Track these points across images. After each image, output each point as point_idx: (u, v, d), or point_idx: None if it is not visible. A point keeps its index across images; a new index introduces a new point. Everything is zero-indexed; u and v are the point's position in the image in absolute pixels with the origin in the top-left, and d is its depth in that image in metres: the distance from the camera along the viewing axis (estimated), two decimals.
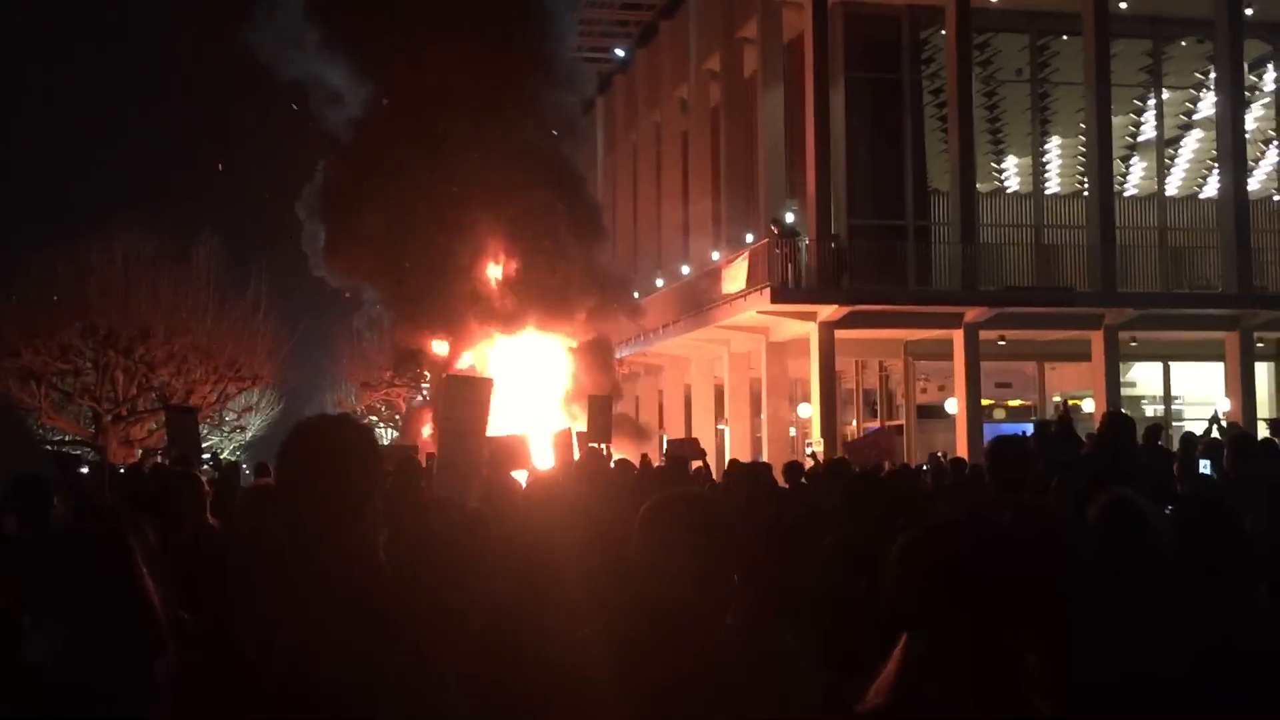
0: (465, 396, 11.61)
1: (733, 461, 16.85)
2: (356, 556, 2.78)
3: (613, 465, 14.14)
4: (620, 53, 40.77)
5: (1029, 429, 17.07)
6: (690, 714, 2.76)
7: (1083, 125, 30.00)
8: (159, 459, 20.63)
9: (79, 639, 3.16)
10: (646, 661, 2.80)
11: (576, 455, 15.03)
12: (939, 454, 22.94)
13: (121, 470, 17.40)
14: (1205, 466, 12.87)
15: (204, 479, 6.82)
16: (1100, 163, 28.85)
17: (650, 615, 2.87)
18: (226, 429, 44.23)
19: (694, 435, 26.37)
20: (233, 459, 31.06)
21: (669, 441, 20.95)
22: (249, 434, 45.54)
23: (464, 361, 25.12)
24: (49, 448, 18.01)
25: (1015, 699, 2.51)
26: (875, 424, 30.54)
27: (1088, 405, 28.17)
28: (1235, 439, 8.67)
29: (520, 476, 13.23)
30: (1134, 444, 8.44)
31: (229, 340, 38.09)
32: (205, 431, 35.29)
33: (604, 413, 16.01)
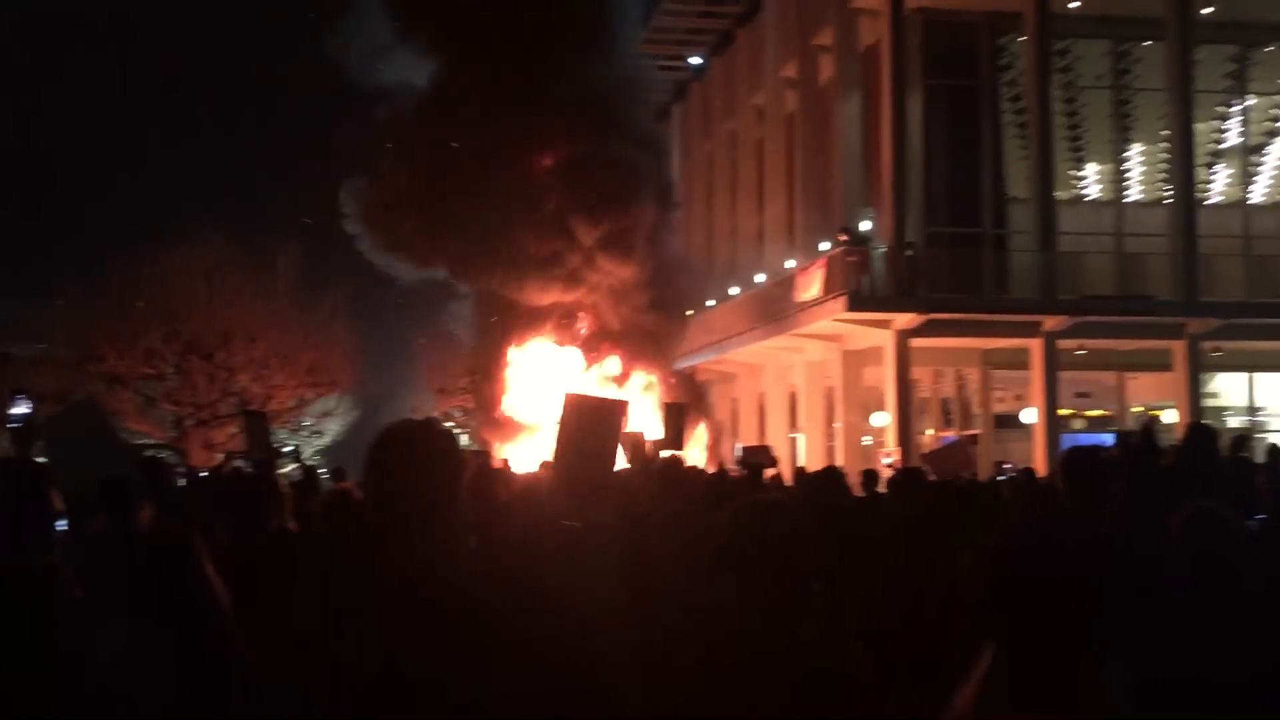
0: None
1: (800, 469, 16.72)
2: (437, 560, 2.81)
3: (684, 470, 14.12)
4: (696, 61, 40.82)
5: (1108, 439, 16.84)
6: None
7: (1165, 132, 29.58)
8: (238, 463, 20.93)
9: (141, 639, 3.20)
10: (694, 655, 2.81)
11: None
12: (1002, 464, 22.66)
13: (203, 474, 17.68)
14: None
15: (286, 482, 6.92)
16: (1183, 169, 28.45)
17: (709, 615, 2.89)
18: (305, 434, 44.77)
19: (767, 443, 26.30)
20: (309, 463, 31.42)
21: (742, 449, 20.88)
22: (326, 439, 46.05)
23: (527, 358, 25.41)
24: (144, 452, 18.36)
25: (1093, 706, 2.49)
26: (950, 434, 30.29)
27: (1169, 416, 27.72)
28: None
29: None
30: (1217, 455, 8.31)
31: (308, 346, 38.57)
32: (284, 436, 35.74)
33: (677, 420, 15.93)
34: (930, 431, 31.25)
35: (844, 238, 27.09)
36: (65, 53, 62.19)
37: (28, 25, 61.27)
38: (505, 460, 17.08)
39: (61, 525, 6.53)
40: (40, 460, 6.29)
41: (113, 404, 36.12)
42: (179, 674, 3.05)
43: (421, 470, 2.83)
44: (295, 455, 19.20)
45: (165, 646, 3.12)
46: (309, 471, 16.69)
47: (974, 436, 29.06)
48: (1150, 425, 12.41)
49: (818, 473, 10.77)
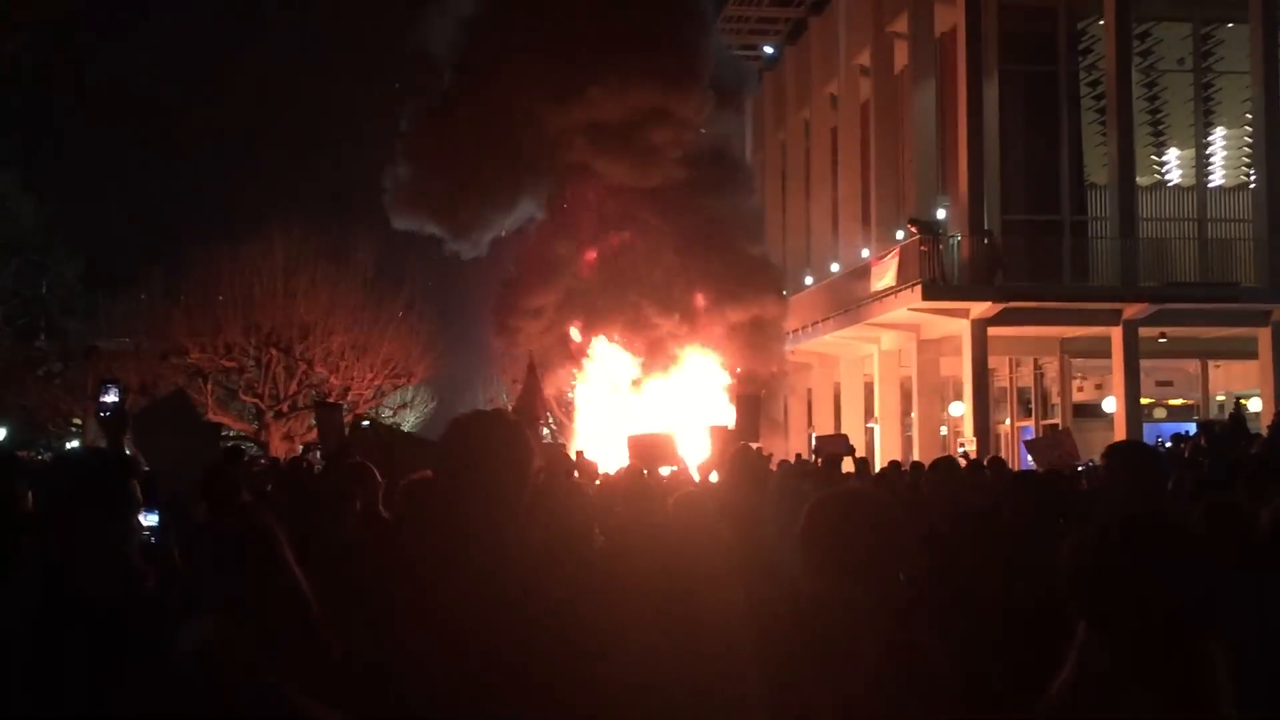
0: (653, 454, 12.33)
1: (915, 463, 16.43)
2: (508, 548, 2.83)
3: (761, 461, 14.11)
4: (769, 50, 40.65)
5: (1191, 428, 16.60)
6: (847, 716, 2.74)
7: (1249, 115, 29.03)
8: (317, 454, 21.22)
9: (227, 630, 3.23)
10: (807, 663, 2.79)
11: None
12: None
13: (282, 463, 17.93)
14: None
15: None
16: (1268, 153, 27.91)
17: (812, 615, 2.86)
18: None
19: (844, 432, 26.18)
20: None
21: (818, 438, 20.76)
22: (405, 429, 46.48)
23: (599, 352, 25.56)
24: (226, 443, 18.67)
25: (1194, 700, 2.43)
26: (1028, 424, 30.00)
27: (1254, 404, 27.21)
28: None
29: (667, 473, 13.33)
30: None
31: (384, 338, 38.95)
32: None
33: (753, 411, 15.88)
34: (1007, 421, 30.96)
35: (913, 228, 26.89)
36: (146, 50, 63.28)
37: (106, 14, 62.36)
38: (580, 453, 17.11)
39: (151, 517, 6.67)
40: (127, 451, 6.42)
41: (195, 396, 36.77)
42: (265, 664, 3.10)
43: (490, 460, 2.86)
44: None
45: (248, 636, 3.16)
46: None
47: (1053, 426, 28.75)
48: (1238, 412, 12.21)
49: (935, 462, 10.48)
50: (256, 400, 37.70)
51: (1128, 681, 2.44)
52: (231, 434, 38.50)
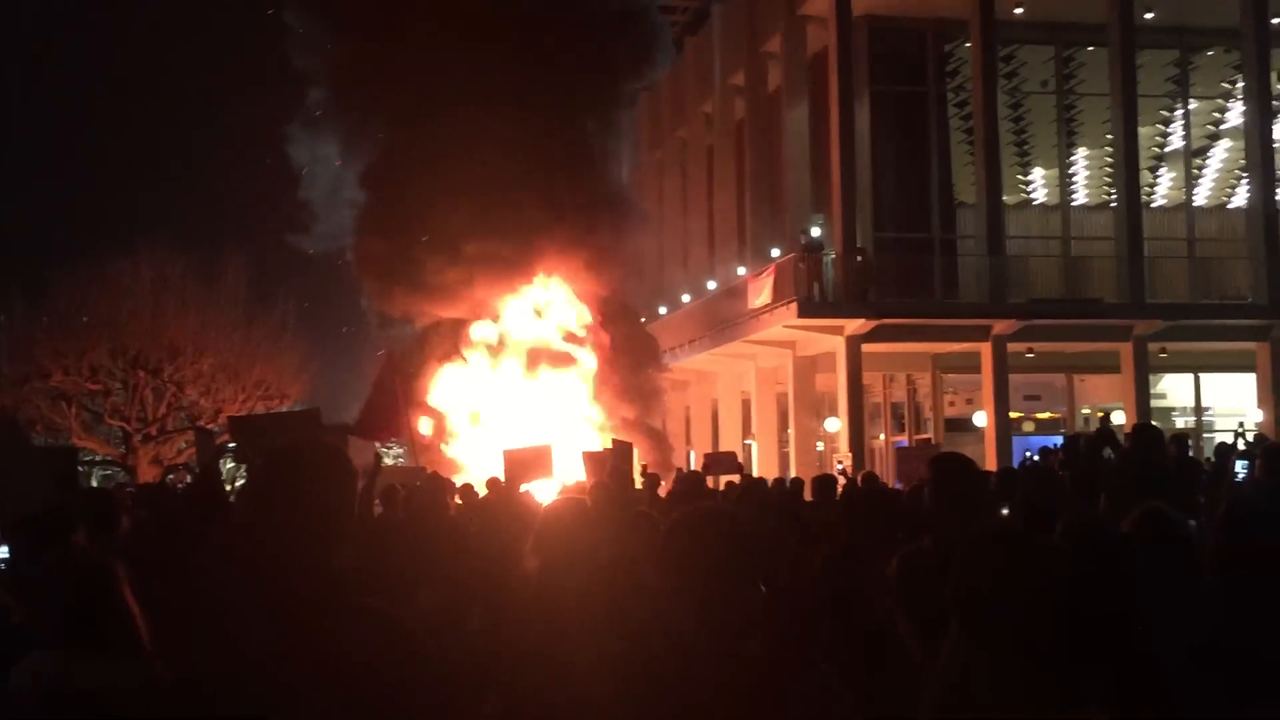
0: (529, 465, 12.87)
1: (729, 483, 16.39)
2: (311, 576, 2.73)
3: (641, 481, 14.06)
4: None
5: (1057, 441, 16.98)
6: None
7: (1109, 136, 29.91)
8: (173, 477, 20.74)
9: (64, 664, 3.20)
10: (666, 687, 2.75)
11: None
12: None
13: (130, 490, 17.40)
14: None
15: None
16: (1127, 173, 28.73)
17: (669, 638, 2.83)
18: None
19: (718, 450, 26.25)
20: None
21: (707, 456, 20.71)
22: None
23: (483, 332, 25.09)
24: (90, 468, 18.13)
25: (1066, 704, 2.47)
26: (902, 439, 30.47)
27: (1118, 417, 27.93)
28: (1266, 450, 8.57)
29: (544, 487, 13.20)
30: (1164, 455, 8.36)
31: (257, 359, 38.23)
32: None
33: (625, 460, 15.55)
34: (881, 436, 31.40)
35: (803, 240, 27.10)
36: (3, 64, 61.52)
37: None
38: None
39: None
40: None
41: (59, 420, 35.69)
42: (103, 695, 3.06)
43: (304, 492, 2.77)
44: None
45: (87, 668, 3.13)
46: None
47: (925, 440, 29.23)
48: (1105, 426, 12.50)
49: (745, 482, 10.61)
50: (123, 424, 36.72)
51: (1006, 683, 2.47)
52: (97, 459, 37.47)
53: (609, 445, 16.98)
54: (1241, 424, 20.23)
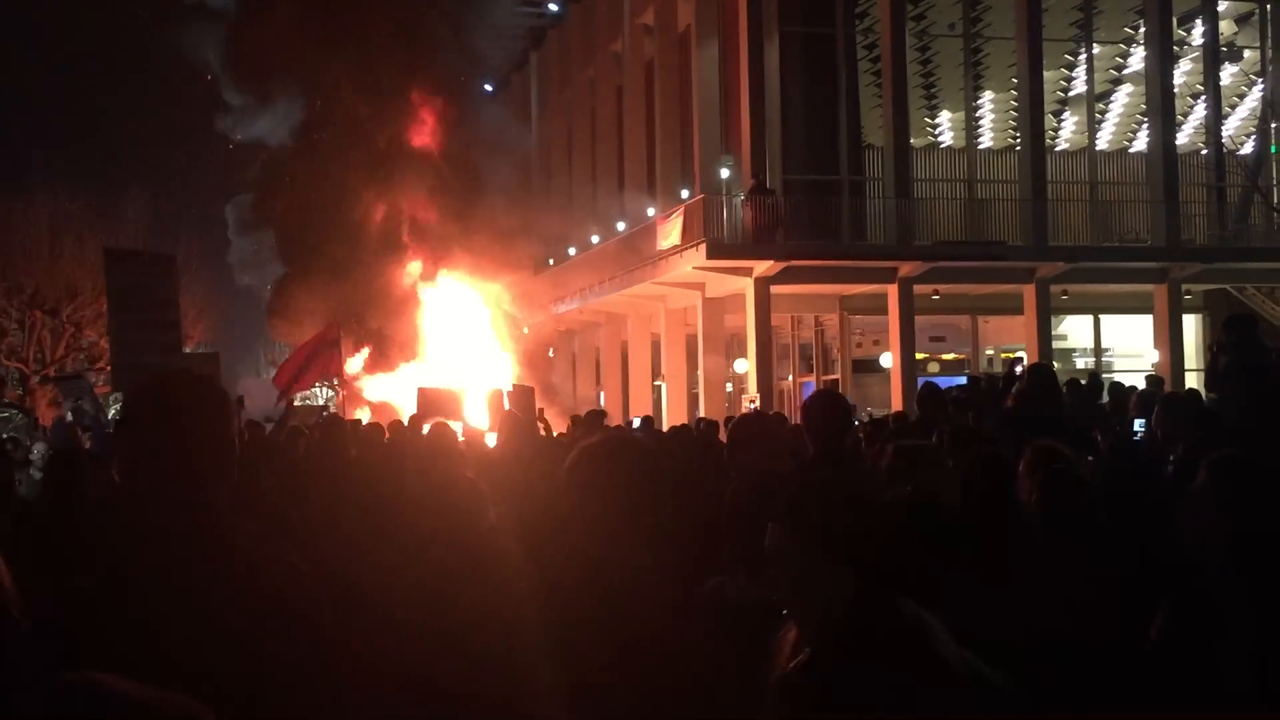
0: (439, 406, 13.40)
1: (574, 415, 17.21)
2: (193, 516, 2.62)
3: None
4: (554, 7, 40.41)
5: (961, 381, 17.23)
6: (631, 669, 2.70)
7: (1014, 80, 30.17)
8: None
9: None
10: (585, 619, 2.74)
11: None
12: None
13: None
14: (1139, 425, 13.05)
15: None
16: (1031, 117, 29.04)
17: (584, 568, 2.83)
18: None
19: (628, 391, 26.38)
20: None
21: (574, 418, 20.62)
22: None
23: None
24: None
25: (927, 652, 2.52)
26: (810, 379, 30.77)
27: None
28: (1165, 397, 8.77)
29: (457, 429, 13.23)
30: (1057, 395, 8.53)
31: None
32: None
33: (527, 400, 15.84)
34: (790, 377, 31.66)
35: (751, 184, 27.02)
36: None
37: None
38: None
39: None
40: None
41: None
42: None
43: (174, 432, 2.63)
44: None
45: None
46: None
47: (833, 381, 29.55)
48: (1012, 370, 12.73)
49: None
50: (20, 365, 35.92)
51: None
52: None
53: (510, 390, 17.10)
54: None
